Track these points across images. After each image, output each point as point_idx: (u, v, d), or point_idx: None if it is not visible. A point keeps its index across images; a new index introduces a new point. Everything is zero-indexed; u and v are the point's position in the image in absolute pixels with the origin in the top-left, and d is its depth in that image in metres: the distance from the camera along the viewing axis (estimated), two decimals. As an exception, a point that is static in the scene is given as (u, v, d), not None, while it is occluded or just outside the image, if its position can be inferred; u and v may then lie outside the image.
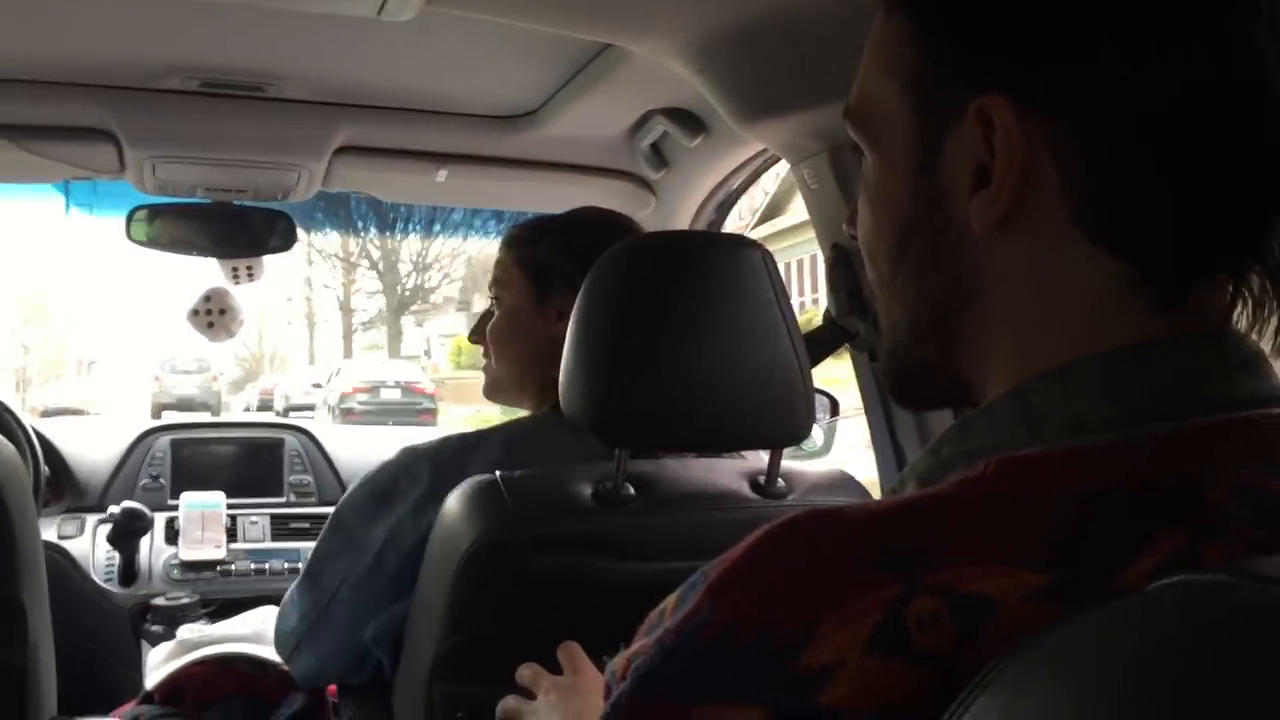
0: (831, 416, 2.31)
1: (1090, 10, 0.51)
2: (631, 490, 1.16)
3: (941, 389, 0.61)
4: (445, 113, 1.82)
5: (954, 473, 0.52)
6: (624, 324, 1.11)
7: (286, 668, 1.47)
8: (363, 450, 2.69)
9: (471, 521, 1.12)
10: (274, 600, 1.61)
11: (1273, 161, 0.50)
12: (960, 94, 0.54)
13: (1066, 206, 0.52)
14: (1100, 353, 0.51)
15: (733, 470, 1.26)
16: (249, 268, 2.13)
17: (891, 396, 0.66)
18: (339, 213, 3.09)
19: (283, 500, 2.56)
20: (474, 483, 1.16)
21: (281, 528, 2.46)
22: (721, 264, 1.15)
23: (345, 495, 1.37)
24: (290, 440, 2.64)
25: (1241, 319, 0.53)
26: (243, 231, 2.08)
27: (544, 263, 1.38)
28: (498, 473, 1.17)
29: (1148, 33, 0.49)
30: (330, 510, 1.38)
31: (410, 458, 1.33)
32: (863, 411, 1.61)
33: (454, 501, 1.17)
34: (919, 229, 0.58)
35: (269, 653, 1.61)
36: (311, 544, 1.42)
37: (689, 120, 1.66)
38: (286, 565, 2.33)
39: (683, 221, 2.00)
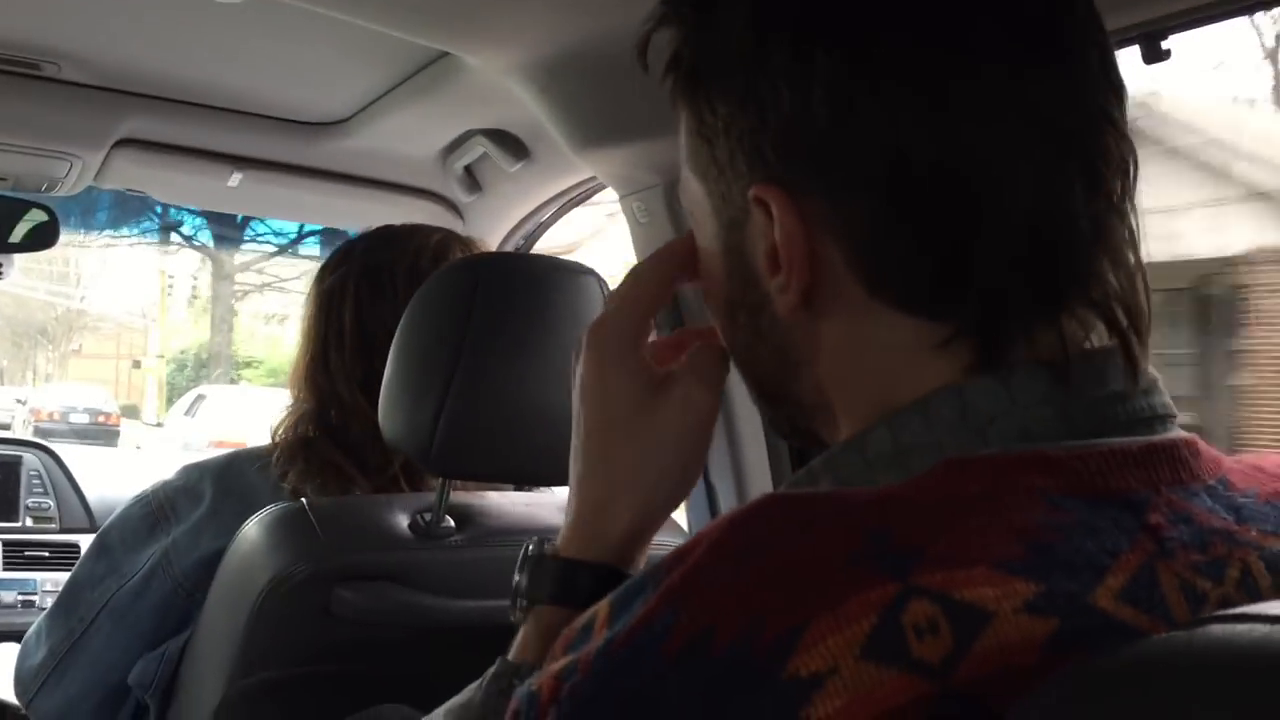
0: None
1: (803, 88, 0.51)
2: (451, 523, 1.10)
3: (811, 433, 0.60)
4: (247, 113, 1.69)
5: (883, 473, 0.50)
6: (458, 346, 1.04)
7: (25, 712, 1.31)
8: (115, 473, 2.46)
9: (275, 551, 1.03)
10: (3, 636, 1.45)
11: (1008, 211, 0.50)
12: (740, 183, 0.55)
13: (859, 282, 0.52)
14: (1043, 360, 0.50)
15: (553, 504, 1.22)
16: (-3, 264, 1.92)
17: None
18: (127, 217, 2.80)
19: (18, 525, 2.31)
20: (278, 510, 1.07)
21: (15, 555, 2.20)
22: (560, 289, 1.10)
23: (115, 514, 1.28)
24: (30, 459, 2.37)
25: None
26: (-8, 224, 1.87)
27: None
28: (304, 500, 1.08)
29: (855, 106, 0.50)
30: (73, 538, 1.26)
31: (193, 475, 1.24)
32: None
33: (254, 529, 1.06)
34: (740, 305, 0.58)
35: (6, 695, 1.44)
36: (49, 574, 1.29)
37: (511, 143, 1.60)
38: (19, 597, 2.09)
39: (489, 248, 1.94)
